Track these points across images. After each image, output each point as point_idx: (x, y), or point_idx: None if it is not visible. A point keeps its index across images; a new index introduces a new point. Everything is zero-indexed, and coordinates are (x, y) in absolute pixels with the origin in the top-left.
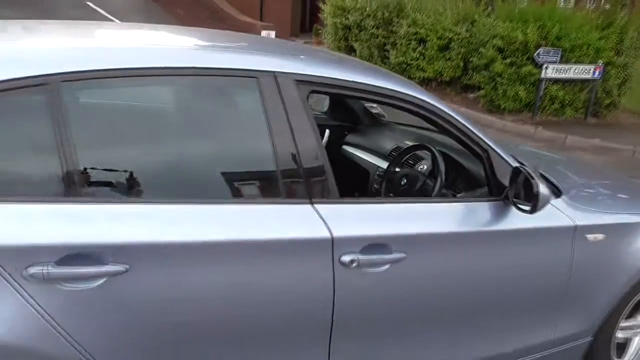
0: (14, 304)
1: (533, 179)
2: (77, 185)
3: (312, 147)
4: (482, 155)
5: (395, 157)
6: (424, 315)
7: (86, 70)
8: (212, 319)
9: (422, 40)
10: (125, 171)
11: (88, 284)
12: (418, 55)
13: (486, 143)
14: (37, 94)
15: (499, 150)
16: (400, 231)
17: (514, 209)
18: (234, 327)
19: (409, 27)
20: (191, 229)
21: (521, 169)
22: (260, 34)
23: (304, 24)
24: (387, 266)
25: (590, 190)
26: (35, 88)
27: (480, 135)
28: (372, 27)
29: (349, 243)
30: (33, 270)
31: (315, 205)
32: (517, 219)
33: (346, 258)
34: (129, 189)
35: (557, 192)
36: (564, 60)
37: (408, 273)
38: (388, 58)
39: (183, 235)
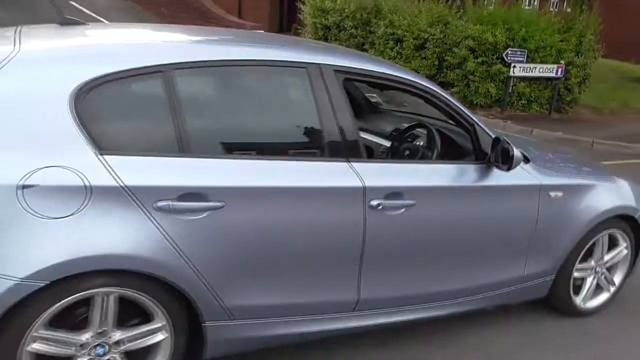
0: (147, 229)
1: (509, 144)
2: (189, 145)
3: (347, 119)
4: (470, 128)
5: (397, 134)
6: (428, 250)
7: (188, 61)
8: (280, 243)
9: (399, 40)
10: (220, 135)
11: (197, 215)
12: (395, 55)
13: (472, 119)
14: (154, 82)
15: (482, 125)
16: (412, 184)
17: (494, 170)
18: (296, 249)
19: (387, 27)
20: (266, 177)
21: (500, 137)
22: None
23: (282, 23)
24: (402, 210)
25: (553, 161)
26: (151, 77)
27: (468, 113)
28: (351, 28)
29: (376, 191)
30: (163, 203)
31: (351, 163)
32: (497, 178)
33: (374, 202)
34: (223, 148)
35: (526, 160)
36: (530, 60)
37: (417, 215)
38: None
39: (260, 182)
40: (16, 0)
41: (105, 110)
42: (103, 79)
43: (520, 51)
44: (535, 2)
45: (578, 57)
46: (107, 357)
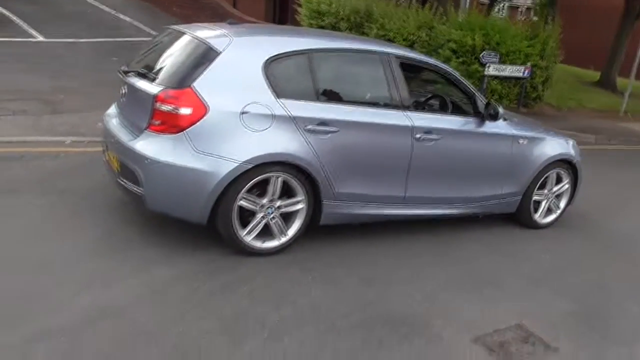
0: (300, 141)
1: (497, 105)
2: (320, 95)
3: (403, 87)
4: (471, 95)
5: (420, 103)
6: (447, 168)
7: (322, 49)
8: (366, 155)
9: (389, 41)
10: (336, 91)
11: (326, 135)
12: None
13: (472, 90)
14: (302, 59)
15: (477, 94)
16: (438, 126)
17: (486, 122)
18: (373, 160)
19: (378, 30)
20: (360, 116)
21: (490, 101)
22: None
23: (274, 22)
24: (432, 142)
25: (521, 123)
26: (301, 56)
27: (471, 86)
28: (346, 29)
29: (418, 129)
30: (309, 127)
31: (405, 111)
32: (487, 127)
33: (417, 135)
34: (337, 98)
35: (505, 119)
36: (502, 61)
37: (440, 146)
38: None
39: (357, 118)
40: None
41: (279, 73)
42: (277, 56)
43: (494, 53)
44: (504, 11)
45: (542, 61)
46: (272, 215)
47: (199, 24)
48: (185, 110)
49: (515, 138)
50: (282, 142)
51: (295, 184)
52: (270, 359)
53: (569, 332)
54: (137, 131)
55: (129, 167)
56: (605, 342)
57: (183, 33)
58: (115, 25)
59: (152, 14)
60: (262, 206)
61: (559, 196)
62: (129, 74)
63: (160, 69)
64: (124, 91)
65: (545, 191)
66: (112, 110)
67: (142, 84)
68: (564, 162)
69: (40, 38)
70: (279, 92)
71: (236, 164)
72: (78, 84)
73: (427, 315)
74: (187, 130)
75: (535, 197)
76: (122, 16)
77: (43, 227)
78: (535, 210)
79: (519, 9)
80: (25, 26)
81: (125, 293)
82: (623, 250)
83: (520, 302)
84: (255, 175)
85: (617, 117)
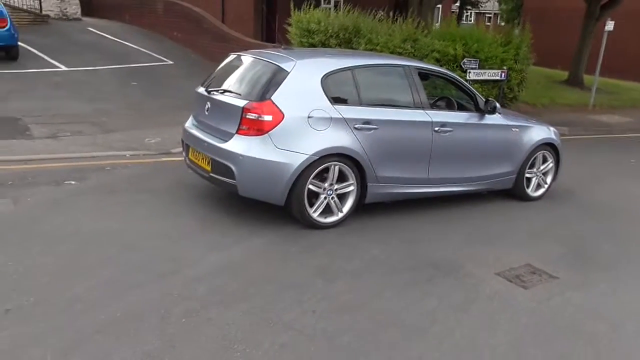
0: (351, 137)
1: (494, 101)
2: (363, 101)
3: (422, 92)
4: (472, 95)
5: (434, 103)
6: (459, 154)
7: (361, 65)
8: (399, 146)
9: None
10: (374, 97)
11: (369, 132)
12: None
13: (473, 91)
14: (348, 74)
15: (477, 94)
16: (450, 120)
17: (486, 115)
18: (404, 149)
19: (366, 44)
20: (394, 115)
21: (489, 98)
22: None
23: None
24: (447, 133)
25: (513, 115)
26: (347, 71)
27: (472, 89)
28: (335, 45)
29: (436, 123)
30: (356, 125)
31: (425, 110)
32: (487, 119)
33: (436, 128)
34: (376, 102)
35: (500, 112)
36: (481, 66)
37: (454, 136)
38: None
39: (392, 117)
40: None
41: (332, 86)
42: (330, 73)
43: (474, 60)
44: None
45: (516, 64)
46: (332, 196)
47: (260, 50)
48: (267, 118)
49: (509, 127)
50: (338, 138)
51: (347, 170)
52: (356, 293)
53: (564, 266)
54: (226, 136)
55: (223, 163)
56: (590, 270)
57: (254, 57)
58: (124, 52)
59: (155, 40)
60: (324, 189)
61: (545, 173)
62: (212, 92)
63: (241, 86)
64: (208, 106)
65: (535, 170)
66: (190, 122)
67: (228, 99)
68: (548, 145)
69: (64, 68)
70: (333, 100)
71: (307, 156)
72: (113, 106)
73: (459, 260)
74: (269, 132)
75: (527, 175)
76: (128, 44)
77: (154, 213)
78: (528, 186)
79: (486, 15)
80: (46, 57)
81: (239, 254)
82: (597, 212)
83: (525, 249)
84: (320, 164)
85: (586, 110)
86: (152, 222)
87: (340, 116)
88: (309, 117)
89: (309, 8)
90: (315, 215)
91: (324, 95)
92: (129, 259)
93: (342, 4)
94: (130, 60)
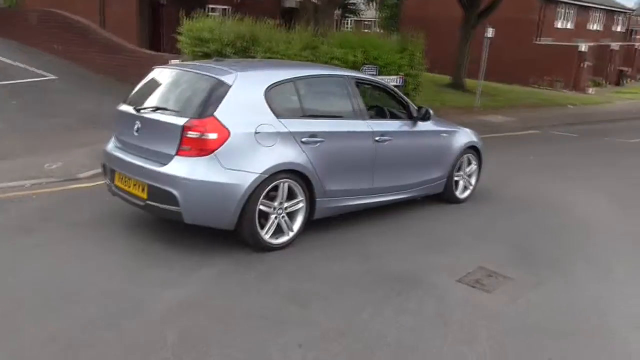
0: (299, 151)
1: (428, 108)
2: (306, 113)
3: (361, 102)
4: (405, 104)
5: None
6: (397, 161)
7: (302, 76)
8: (343, 157)
9: None
10: (316, 108)
11: (315, 144)
12: None
13: (406, 100)
14: (291, 85)
15: (410, 102)
16: (389, 129)
17: (419, 122)
18: (349, 160)
19: (265, 53)
20: (336, 127)
21: (423, 106)
22: (168, 62)
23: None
24: (387, 143)
25: (442, 121)
26: (289, 83)
27: (404, 97)
28: (232, 54)
29: (376, 133)
30: (303, 139)
31: (366, 120)
32: (421, 126)
33: (377, 138)
34: (318, 114)
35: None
36: (380, 72)
37: (392, 145)
38: None
39: (335, 129)
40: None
41: (275, 98)
42: (273, 85)
43: (373, 66)
44: (351, 24)
45: (412, 70)
46: (282, 214)
47: (188, 62)
48: (212, 135)
49: (439, 133)
50: (287, 154)
51: (296, 187)
52: (333, 316)
53: (514, 266)
54: (163, 159)
55: (163, 189)
56: (538, 267)
57: (184, 71)
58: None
59: (32, 54)
60: (274, 208)
61: (470, 175)
62: (142, 111)
63: (177, 103)
64: (138, 126)
65: (461, 172)
66: (113, 144)
67: (163, 117)
68: (472, 148)
69: None
70: (278, 113)
71: (257, 175)
72: None
73: (417, 271)
74: (215, 151)
75: (455, 178)
76: (1, 58)
77: (86, 252)
78: (456, 189)
79: (364, 22)
80: None
81: (195, 288)
82: (521, 208)
83: (473, 252)
84: (270, 182)
85: (473, 111)
86: (87, 263)
87: (287, 130)
88: (255, 132)
89: (200, 16)
90: (267, 237)
91: (269, 109)
92: (73, 311)
93: (229, 12)
94: (6, 77)
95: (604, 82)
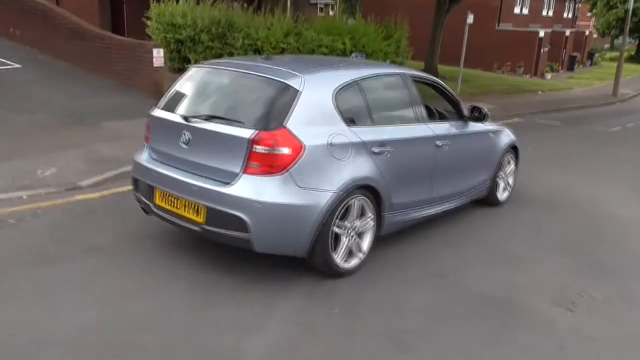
0: (371, 163)
1: (483, 108)
2: (376, 119)
3: (421, 104)
4: (456, 102)
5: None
6: (454, 166)
7: (366, 76)
8: (412, 167)
9: (257, 50)
10: (390, 113)
11: (385, 155)
12: None
13: (458, 99)
14: (356, 88)
15: (461, 102)
16: (448, 132)
17: (470, 122)
18: (416, 169)
19: (244, 39)
20: (402, 133)
21: (476, 105)
22: (152, 52)
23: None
24: (446, 147)
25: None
26: (355, 85)
27: (457, 97)
28: (208, 41)
29: (437, 137)
30: (374, 149)
31: (426, 124)
32: (471, 127)
33: (437, 142)
34: (388, 119)
35: None
36: (368, 59)
37: (450, 149)
38: None
39: (402, 135)
40: None
41: (344, 103)
42: (341, 87)
43: (361, 54)
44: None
45: (398, 57)
46: (352, 235)
47: (228, 61)
48: (284, 150)
49: (487, 133)
50: (361, 167)
51: (367, 203)
52: (446, 358)
53: (594, 281)
54: (226, 177)
55: (229, 213)
56: (616, 281)
57: (233, 71)
58: None
59: None
60: (346, 229)
61: (508, 175)
62: (193, 120)
63: (236, 111)
64: (187, 137)
65: (502, 173)
66: (147, 156)
67: (222, 128)
68: (512, 147)
69: None
70: (347, 120)
71: (334, 194)
72: None
73: (503, 292)
74: (290, 168)
75: (497, 180)
76: None
77: (127, 290)
78: (497, 190)
79: (318, 5)
80: None
81: (279, 331)
82: (552, 208)
83: (546, 266)
84: (345, 201)
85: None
86: (137, 302)
87: (359, 140)
88: (329, 144)
89: (170, 1)
90: (339, 262)
91: (339, 116)
92: None
93: None
94: None
95: (559, 67)
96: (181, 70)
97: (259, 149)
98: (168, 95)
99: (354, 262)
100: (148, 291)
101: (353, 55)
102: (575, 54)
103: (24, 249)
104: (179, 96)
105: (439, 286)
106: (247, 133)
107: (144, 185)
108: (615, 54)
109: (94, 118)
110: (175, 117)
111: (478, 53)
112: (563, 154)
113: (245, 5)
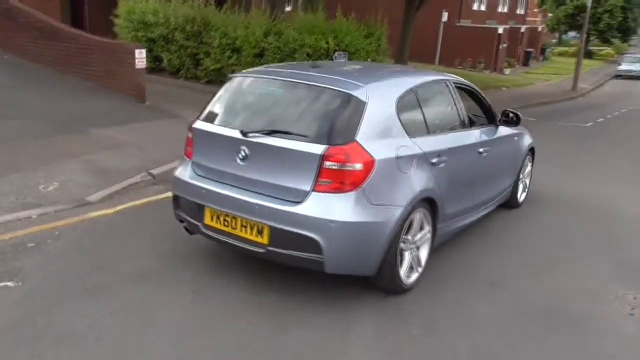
0: (430, 175)
1: (517, 112)
2: (431, 128)
3: (464, 109)
4: (488, 107)
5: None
6: (490, 172)
7: (420, 84)
8: (462, 175)
9: (236, 50)
10: (441, 121)
11: (441, 165)
12: (234, 62)
13: (489, 103)
14: (413, 96)
15: (492, 107)
16: (487, 138)
17: (500, 127)
18: (464, 177)
19: (222, 38)
20: (454, 141)
21: (507, 110)
22: (133, 52)
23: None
24: (486, 154)
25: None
26: (412, 94)
27: (489, 101)
28: (182, 39)
29: (480, 144)
30: (433, 160)
31: (470, 130)
32: (501, 130)
33: (479, 149)
34: (441, 127)
35: None
36: (350, 59)
37: (489, 155)
38: (201, 65)
39: (454, 143)
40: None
41: (404, 113)
42: (402, 96)
43: (344, 53)
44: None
45: (378, 56)
46: (412, 247)
47: (272, 69)
48: (357, 166)
49: (513, 136)
50: (423, 180)
51: (425, 216)
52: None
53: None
54: (294, 195)
55: (300, 234)
56: None
57: (294, 82)
58: None
59: None
60: (409, 243)
61: (526, 177)
62: (251, 134)
63: (299, 124)
64: (245, 153)
65: (521, 176)
66: (191, 172)
67: (288, 144)
68: (531, 149)
69: None
70: (408, 131)
71: (403, 208)
72: None
73: (560, 300)
74: (362, 185)
75: (522, 178)
76: None
77: (199, 323)
78: (517, 193)
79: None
80: None
81: (366, 358)
82: (567, 208)
83: (587, 272)
84: (410, 215)
85: None
86: (217, 336)
87: (421, 151)
88: (397, 157)
89: None
90: (404, 278)
91: (402, 127)
92: None
93: None
94: None
95: (515, 62)
96: (154, 70)
97: (331, 165)
98: (211, 107)
99: (414, 277)
100: (212, 321)
101: (336, 54)
102: (529, 49)
103: (60, 278)
104: (226, 108)
105: (496, 296)
106: (316, 148)
107: (189, 204)
108: (563, 49)
109: (82, 124)
110: (228, 131)
111: (440, 49)
112: (556, 151)
113: (211, 2)
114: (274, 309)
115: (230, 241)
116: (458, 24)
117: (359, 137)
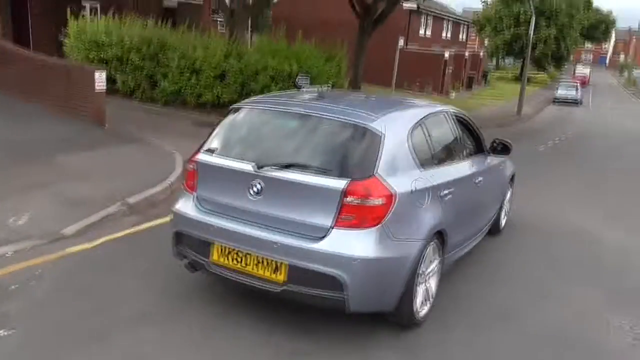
0: (441, 207)
1: (507, 141)
2: (437, 160)
3: (462, 140)
4: (479, 137)
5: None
6: (482, 201)
7: (426, 115)
8: (463, 206)
9: (195, 71)
10: (445, 153)
11: (448, 197)
12: (194, 83)
13: (480, 133)
14: (422, 128)
15: (482, 136)
16: (482, 168)
17: (489, 156)
18: (464, 208)
19: (180, 59)
20: (458, 171)
21: (497, 139)
22: (93, 75)
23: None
24: (480, 183)
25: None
26: (420, 125)
27: (479, 130)
28: (138, 60)
29: (476, 174)
30: (442, 192)
31: (468, 161)
32: (490, 160)
33: (475, 180)
34: (446, 159)
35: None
36: (312, 82)
37: (482, 184)
38: (158, 87)
39: (458, 174)
40: None
41: (415, 145)
42: (413, 128)
43: (306, 77)
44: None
45: (339, 79)
46: (425, 280)
47: (273, 99)
48: (378, 201)
49: (499, 165)
50: (436, 212)
51: (437, 247)
52: None
53: (632, 315)
54: (311, 231)
55: (319, 272)
56: None
57: (304, 114)
58: None
59: None
60: (423, 275)
61: (507, 203)
62: (265, 168)
63: (316, 158)
64: (259, 187)
65: (505, 202)
66: (194, 206)
67: (306, 178)
68: (512, 176)
69: None
70: (420, 163)
71: (421, 242)
72: None
73: (567, 329)
74: (384, 220)
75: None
76: None
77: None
78: (499, 218)
79: (218, 21)
80: None
81: None
82: (546, 235)
83: (580, 299)
84: (426, 248)
85: None
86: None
87: (432, 184)
88: (413, 190)
89: (90, 15)
90: (418, 311)
91: (415, 159)
92: None
93: (99, 11)
94: None
95: (459, 86)
96: (107, 92)
97: (352, 200)
98: (215, 138)
99: (425, 309)
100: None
101: (299, 77)
102: (472, 73)
103: (55, 324)
104: (234, 140)
105: (509, 330)
106: (337, 183)
107: (193, 240)
108: (499, 73)
109: (45, 152)
110: (239, 164)
111: (389, 72)
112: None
113: (157, 20)
114: (290, 349)
115: (241, 279)
116: (406, 49)
117: (379, 171)
